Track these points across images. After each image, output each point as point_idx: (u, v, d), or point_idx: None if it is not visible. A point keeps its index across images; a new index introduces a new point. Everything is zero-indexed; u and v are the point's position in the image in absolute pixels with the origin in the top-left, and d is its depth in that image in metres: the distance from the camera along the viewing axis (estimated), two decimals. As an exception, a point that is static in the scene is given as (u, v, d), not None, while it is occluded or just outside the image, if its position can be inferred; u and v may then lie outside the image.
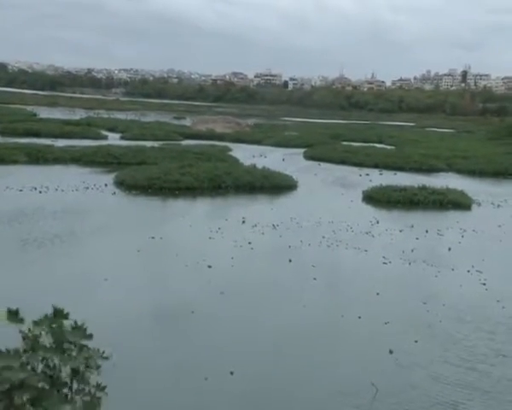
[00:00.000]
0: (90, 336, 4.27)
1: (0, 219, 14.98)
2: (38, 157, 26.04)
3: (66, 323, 4.29)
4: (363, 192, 22.16)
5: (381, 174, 28.32)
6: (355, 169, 30.33)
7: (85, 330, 4.33)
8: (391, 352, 8.63)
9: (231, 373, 7.67)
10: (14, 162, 24.63)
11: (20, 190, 19.03)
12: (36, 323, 4.15)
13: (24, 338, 4.16)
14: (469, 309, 10.72)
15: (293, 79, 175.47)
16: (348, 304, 10.72)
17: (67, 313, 4.32)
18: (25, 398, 3.94)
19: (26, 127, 37.84)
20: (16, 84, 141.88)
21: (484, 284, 12.20)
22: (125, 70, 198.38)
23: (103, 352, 4.37)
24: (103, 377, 4.21)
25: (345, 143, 43.28)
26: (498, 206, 21.88)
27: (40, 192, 19.05)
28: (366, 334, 9.35)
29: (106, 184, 21.13)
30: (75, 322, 4.30)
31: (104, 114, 63.12)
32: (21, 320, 4.17)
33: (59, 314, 4.28)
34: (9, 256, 12.13)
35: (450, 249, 15.00)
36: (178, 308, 9.88)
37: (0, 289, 9.91)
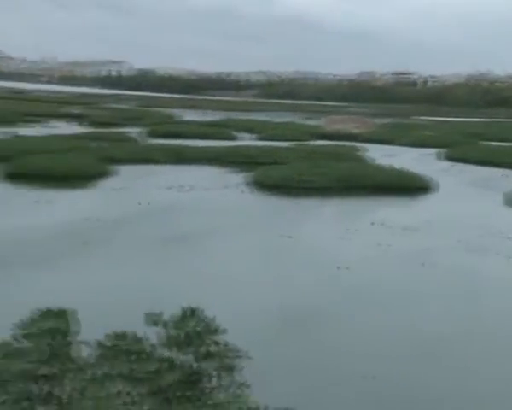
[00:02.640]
0: (224, 331, 4.41)
1: (142, 217, 15.97)
2: (177, 158, 27.42)
3: (200, 319, 4.45)
4: (509, 195, 20.68)
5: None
6: (497, 170, 28.45)
7: (216, 326, 4.47)
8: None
9: (372, 377, 7.49)
10: (159, 162, 26.16)
11: (169, 188, 20.14)
12: (171, 320, 4.34)
13: (162, 337, 4.37)
14: None
15: (426, 77, 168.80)
16: (489, 313, 10.05)
17: (202, 310, 4.48)
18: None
19: (169, 129, 40.12)
20: (161, 88, 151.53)
21: None
22: (256, 72, 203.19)
23: (239, 350, 4.48)
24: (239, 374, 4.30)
25: (485, 142, 40.77)
26: None
27: (179, 191, 20.03)
28: (506, 349, 8.70)
29: (240, 184, 21.75)
30: (208, 319, 4.45)
31: (240, 116, 65.13)
32: (157, 323, 4.38)
33: (193, 312, 4.46)
34: (150, 253, 12.87)
35: None
36: (308, 309, 9.87)
37: (138, 285, 10.55)
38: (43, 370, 4.09)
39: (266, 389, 6.68)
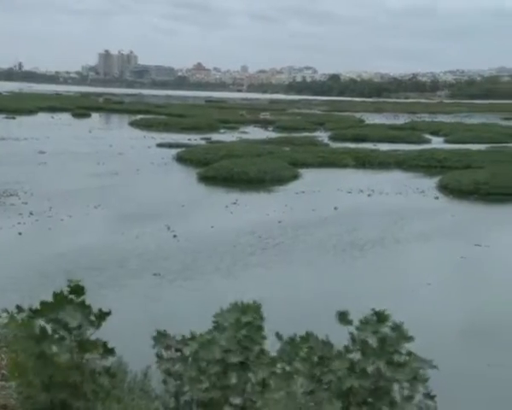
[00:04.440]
0: (411, 339, 4.28)
1: (324, 220, 16.18)
2: (365, 161, 27.27)
3: (391, 325, 4.38)
4: None
5: None
6: None
7: (406, 332, 4.36)
8: None
9: None
10: (345, 166, 26.31)
11: (349, 192, 20.22)
12: (362, 325, 4.33)
13: (352, 340, 4.38)
14: None
15: None
16: None
17: (389, 315, 4.41)
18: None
19: (354, 133, 40.11)
20: (347, 92, 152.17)
21: None
22: (451, 72, 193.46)
23: (431, 361, 4.32)
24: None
25: None
26: None
27: (368, 195, 19.90)
28: None
29: (428, 189, 20.95)
30: (395, 324, 4.35)
31: (427, 118, 62.69)
32: (350, 322, 4.40)
33: (381, 317, 4.39)
34: (339, 257, 12.99)
35: None
36: (502, 322, 9.17)
37: (321, 287, 10.72)
38: (235, 359, 4.37)
39: (452, 402, 6.36)
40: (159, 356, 3.94)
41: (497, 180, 20.51)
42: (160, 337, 3.96)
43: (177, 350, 4.01)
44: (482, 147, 32.42)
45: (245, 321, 4.59)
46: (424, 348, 5.00)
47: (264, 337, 4.63)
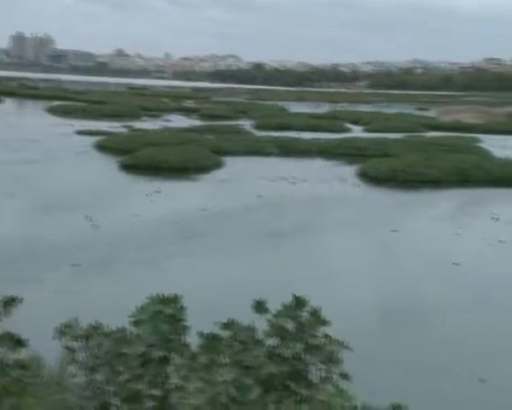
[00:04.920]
0: (328, 323, 4.37)
1: (253, 209, 16.28)
2: (288, 150, 27.59)
3: (308, 310, 4.44)
4: None
5: None
6: None
7: (323, 317, 4.43)
8: None
9: (482, 379, 7.16)
10: (268, 154, 26.50)
11: (272, 180, 20.39)
12: (280, 311, 4.37)
13: (271, 327, 4.42)
14: None
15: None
16: None
17: (307, 301, 4.48)
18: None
19: (277, 121, 40.46)
20: (271, 81, 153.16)
21: None
22: (370, 63, 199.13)
23: (345, 342, 4.43)
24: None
25: None
26: None
27: (291, 183, 20.15)
28: None
29: (349, 177, 21.50)
30: (313, 309, 4.43)
31: (348, 107, 64.30)
32: (266, 310, 4.44)
33: (299, 302, 4.45)
34: (260, 245, 13.08)
35: None
36: (419, 304, 9.58)
37: (246, 276, 10.78)
38: (156, 354, 4.30)
39: (368, 382, 6.57)
40: (69, 348, 3.81)
41: (413, 168, 21.34)
42: (66, 329, 3.82)
43: (85, 340, 3.89)
44: (399, 136, 33.61)
45: (166, 314, 4.52)
46: (342, 332, 5.12)
47: (185, 328, 4.58)
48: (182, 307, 4.39)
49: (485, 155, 26.43)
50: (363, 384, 5.38)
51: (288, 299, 4.71)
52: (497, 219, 15.45)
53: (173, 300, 4.50)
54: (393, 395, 6.23)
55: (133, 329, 4.43)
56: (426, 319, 9.02)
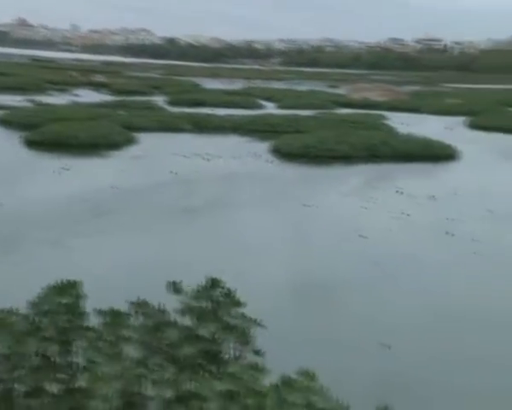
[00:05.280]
0: (243, 305, 4.39)
1: (166, 186, 16.05)
2: (202, 126, 27.35)
3: (222, 290, 4.45)
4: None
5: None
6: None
7: (238, 298, 4.45)
8: None
9: (387, 347, 7.49)
10: (181, 130, 26.16)
11: (186, 157, 20.17)
12: (195, 292, 4.35)
13: (186, 307, 4.38)
14: None
15: (457, 43, 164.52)
16: (510, 280, 9.95)
17: (221, 281, 4.48)
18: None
19: (191, 97, 39.97)
20: (184, 57, 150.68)
21: None
22: (283, 40, 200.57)
23: (257, 320, 4.48)
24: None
25: (514, 110, 39.83)
26: None
27: (205, 159, 20.01)
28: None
29: (262, 153, 21.67)
30: (227, 289, 4.44)
31: (261, 84, 64.57)
32: (180, 291, 4.41)
33: (215, 282, 4.45)
34: (173, 223, 12.95)
35: None
36: (328, 277, 9.87)
37: (160, 255, 10.65)
38: (53, 347, 4.14)
39: (282, 357, 6.71)
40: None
41: (325, 144, 21.83)
42: None
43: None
44: (311, 112, 34.22)
45: (64, 303, 4.36)
46: (255, 309, 5.17)
47: (83, 314, 4.43)
48: (79, 294, 4.26)
49: (391, 131, 27.48)
50: (276, 360, 5.50)
51: (202, 278, 4.69)
52: (402, 192, 16.15)
53: (71, 286, 4.35)
54: (302, 367, 6.38)
55: (32, 321, 4.23)
56: (336, 294, 9.29)
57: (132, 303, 4.54)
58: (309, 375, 4.26)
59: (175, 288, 4.72)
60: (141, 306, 4.61)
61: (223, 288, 4.63)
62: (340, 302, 8.99)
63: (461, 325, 8.28)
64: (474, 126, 32.40)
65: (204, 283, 4.76)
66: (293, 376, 4.28)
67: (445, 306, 8.88)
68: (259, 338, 4.62)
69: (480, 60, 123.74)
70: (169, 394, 3.80)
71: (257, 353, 4.29)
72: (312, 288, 9.51)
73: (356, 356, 7.32)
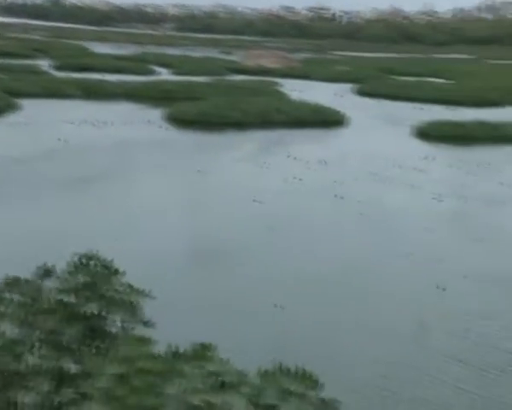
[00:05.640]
0: (121, 273, 4.34)
1: (49, 153, 15.38)
2: (91, 92, 26.30)
3: (100, 263, 4.35)
4: (416, 128, 21.54)
5: (440, 109, 27.37)
6: (408, 104, 29.41)
7: (119, 269, 4.38)
8: (440, 288, 8.55)
9: (281, 308, 7.76)
10: (69, 97, 25.00)
11: (75, 124, 19.36)
12: (70, 269, 4.22)
13: (60, 282, 4.22)
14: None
15: (345, 12, 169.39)
16: (396, 240, 10.63)
17: (97, 254, 4.39)
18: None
19: (79, 62, 38.18)
20: (70, 19, 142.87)
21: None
22: (176, 5, 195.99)
23: (145, 290, 4.45)
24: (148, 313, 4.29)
25: (398, 77, 41.89)
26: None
27: (96, 127, 19.33)
28: (416, 270, 9.28)
29: (156, 120, 21.29)
30: (108, 261, 4.35)
31: (154, 49, 62.98)
32: (50, 274, 4.23)
33: (91, 257, 4.34)
34: (62, 193, 12.47)
35: (507, 186, 14.49)
36: (224, 242, 10.02)
37: (39, 225, 10.27)
38: None
39: (173, 327, 6.76)
40: None
41: (219, 110, 21.83)
42: None
43: None
44: (205, 79, 33.96)
45: None
46: (145, 279, 5.15)
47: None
48: None
49: (284, 98, 27.97)
50: (169, 330, 5.54)
51: (89, 249, 4.56)
52: (294, 158, 16.58)
53: None
54: (198, 336, 6.49)
55: None
56: (230, 258, 9.44)
57: (6, 281, 4.32)
58: (205, 346, 4.33)
59: (45, 272, 4.48)
60: (15, 284, 4.37)
61: (98, 260, 4.49)
62: (235, 267, 9.17)
63: (347, 287, 8.74)
64: (362, 93, 33.73)
65: (81, 257, 4.59)
66: (189, 346, 4.33)
67: (335, 267, 9.34)
68: (151, 309, 4.61)
69: (365, 29, 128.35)
70: (50, 375, 3.69)
71: (146, 324, 4.28)
72: (207, 253, 9.61)
73: (251, 319, 7.53)
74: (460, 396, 6.04)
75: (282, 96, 28.48)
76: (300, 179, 14.25)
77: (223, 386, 3.94)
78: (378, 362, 6.61)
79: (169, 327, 5.97)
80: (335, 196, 12.99)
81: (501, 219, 11.98)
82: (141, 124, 20.44)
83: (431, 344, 7.10)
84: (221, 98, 24.55)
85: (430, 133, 20.69)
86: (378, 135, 21.39)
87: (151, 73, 38.24)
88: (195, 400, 3.69)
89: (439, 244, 10.45)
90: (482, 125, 21.12)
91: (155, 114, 22.36)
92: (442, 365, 6.61)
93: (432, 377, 6.38)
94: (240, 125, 21.13)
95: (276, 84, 34.85)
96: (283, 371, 4.25)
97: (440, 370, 6.51)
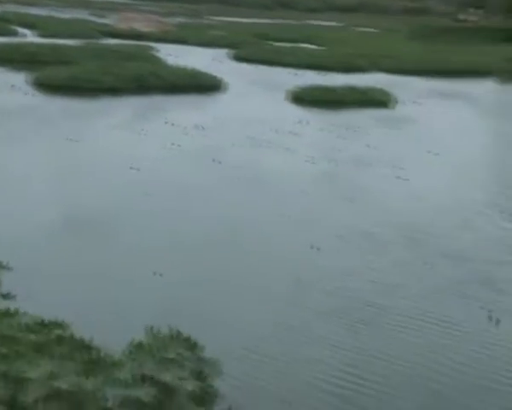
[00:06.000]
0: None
1: None
2: None
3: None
4: (291, 93, 22.03)
5: (313, 75, 28.16)
6: (284, 70, 29.97)
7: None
8: (313, 247, 8.89)
9: (159, 275, 7.68)
10: None
11: None
12: None
13: None
14: (394, 204, 11.11)
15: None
16: (273, 202, 10.88)
17: None
18: None
19: None
20: None
21: (406, 180, 12.60)
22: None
23: (3, 262, 4.20)
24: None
25: (272, 43, 42.45)
26: (420, 104, 22.23)
27: None
28: (292, 231, 9.57)
29: (21, 85, 19.91)
30: None
31: (17, 9, 58.50)
32: None
33: None
34: None
35: (373, 148, 15.30)
36: (97, 211, 9.69)
37: None
38: None
39: (44, 298, 6.47)
40: None
41: (91, 75, 20.86)
42: None
43: None
44: (76, 42, 32.24)
45: None
46: (11, 249, 4.85)
47: None
48: None
49: (160, 62, 27.33)
50: (41, 302, 5.28)
51: None
52: (172, 124, 16.34)
53: None
54: (72, 307, 6.25)
55: None
56: (106, 227, 9.16)
57: None
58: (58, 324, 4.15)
59: None
60: None
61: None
62: (110, 235, 8.91)
63: (226, 250, 8.83)
64: (238, 58, 33.82)
65: None
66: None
67: (213, 231, 9.39)
68: (17, 280, 4.36)
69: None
70: None
71: (6, 296, 4.04)
72: (79, 222, 9.24)
73: (129, 287, 7.39)
74: (335, 353, 6.34)
75: (157, 61, 27.78)
76: (178, 145, 14.08)
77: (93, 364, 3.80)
78: (256, 324, 6.77)
79: (39, 298, 5.68)
80: (213, 160, 13.01)
81: (368, 180, 12.65)
82: (3, 89, 19.02)
83: (306, 303, 7.37)
84: (93, 62, 23.43)
85: (304, 98, 21.27)
86: (255, 100, 21.62)
87: (13, 33, 35.57)
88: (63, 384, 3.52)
89: (314, 205, 10.85)
90: (352, 90, 22.06)
91: (19, 78, 20.90)
92: (317, 323, 6.89)
93: (307, 337, 6.64)
94: (114, 90, 20.36)
95: (151, 48, 33.90)
96: (160, 338, 4.20)
97: (315, 328, 6.79)
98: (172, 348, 4.13)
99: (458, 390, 5.86)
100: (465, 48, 35.08)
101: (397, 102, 21.58)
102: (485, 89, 27.14)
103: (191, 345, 4.81)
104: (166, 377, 3.67)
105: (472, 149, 16.22)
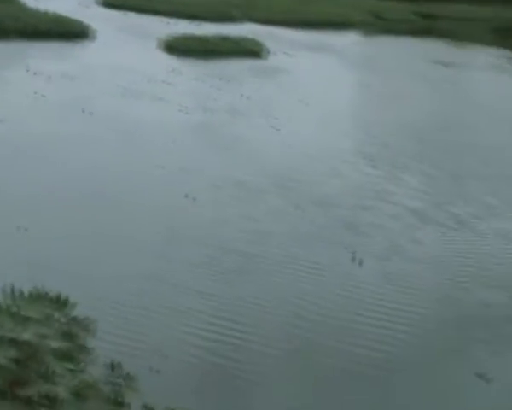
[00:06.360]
0: None
1: None
2: None
3: None
4: (163, 41, 21.44)
5: (186, 24, 27.53)
6: (156, 18, 28.99)
7: None
8: (188, 197, 8.89)
9: (24, 229, 7.30)
10: None
11: None
12: None
13: None
14: (267, 154, 11.31)
15: None
16: (147, 153, 10.67)
17: None
18: None
19: None
20: None
21: (278, 130, 12.87)
22: None
23: None
24: None
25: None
26: (291, 55, 22.59)
27: None
28: (167, 181, 9.48)
29: None
30: None
31: None
32: None
33: None
34: None
35: (247, 98, 15.41)
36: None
37: None
38: None
39: None
40: None
41: None
42: None
43: None
44: None
45: None
46: None
47: None
48: None
49: (20, 5, 25.27)
50: None
51: None
52: (35, 72, 15.31)
53: None
54: None
55: None
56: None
57: None
58: None
59: None
60: None
61: None
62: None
63: (98, 201, 8.56)
64: (107, 5, 32.11)
65: None
66: None
67: (85, 183, 9.04)
68: None
69: None
70: None
71: None
72: None
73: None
74: (207, 302, 6.41)
75: (18, 4, 25.66)
76: (44, 95, 13.27)
77: None
78: (130, 277, 6.68)
79: None
80: (83, 111, 12.43)
81: (242, 130, 12.77)
82: None
83: (180, 254, 7.37)
84: None
85: (177, 47, 20.79)
86: (126, 48, 20.77)
87: None
88: None
89: (189, 156, 10.78)
90: (224, 39, 21.90)
91: None
92: (188, 274, 6.92)
93: (179, 287, 6.64)
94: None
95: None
96: (23, 298, 4.01)
97: (187, 279, 6.81)
98: (37, 308, 3.95)
99: (324, 334, 6.12)
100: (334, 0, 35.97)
101: (269, 52, 21.77)
102: (350, 40, 28.19)
103: (60, 304, 4.65)
104: (25, 335, 3.50)
105: (339, 99, 16.88)
